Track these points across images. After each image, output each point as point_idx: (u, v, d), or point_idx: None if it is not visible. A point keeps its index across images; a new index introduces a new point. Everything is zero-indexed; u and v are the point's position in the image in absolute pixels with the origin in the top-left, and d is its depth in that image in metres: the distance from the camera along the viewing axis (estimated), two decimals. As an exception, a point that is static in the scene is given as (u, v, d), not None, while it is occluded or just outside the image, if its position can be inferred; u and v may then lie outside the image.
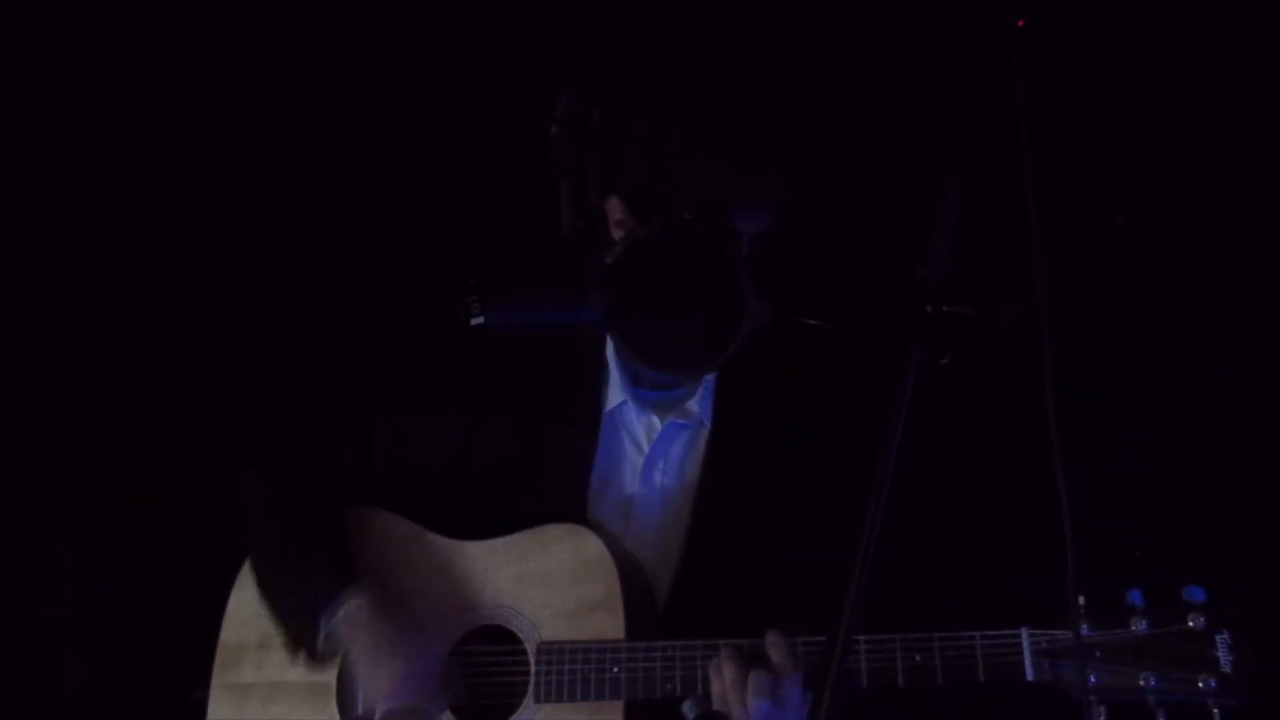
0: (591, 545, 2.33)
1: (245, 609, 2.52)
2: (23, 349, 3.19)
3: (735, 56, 3.00)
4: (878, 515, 1.69)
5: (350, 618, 2.32)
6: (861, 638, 2.13)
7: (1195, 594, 2.01)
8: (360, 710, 2.40)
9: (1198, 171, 2.88)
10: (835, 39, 3.01)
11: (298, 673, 2.44)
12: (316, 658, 2.37)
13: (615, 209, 2.34)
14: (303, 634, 2.37)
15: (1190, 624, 2.00)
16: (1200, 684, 1.97)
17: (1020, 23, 1.83)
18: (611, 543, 2.35)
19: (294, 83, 3.19)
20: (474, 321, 2.05)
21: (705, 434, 2.47)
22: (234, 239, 3.22)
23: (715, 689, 2.18)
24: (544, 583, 2.34)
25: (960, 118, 2.89)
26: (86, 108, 3.19)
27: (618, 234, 2.31)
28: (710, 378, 2.47)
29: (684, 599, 2.39)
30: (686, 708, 2.24)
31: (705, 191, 2.26)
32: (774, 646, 2.16)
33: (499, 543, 2.39)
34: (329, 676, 2.43)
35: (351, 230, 3.22)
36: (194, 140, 3.21)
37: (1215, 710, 1.98)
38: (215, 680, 2.52)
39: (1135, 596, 2.04)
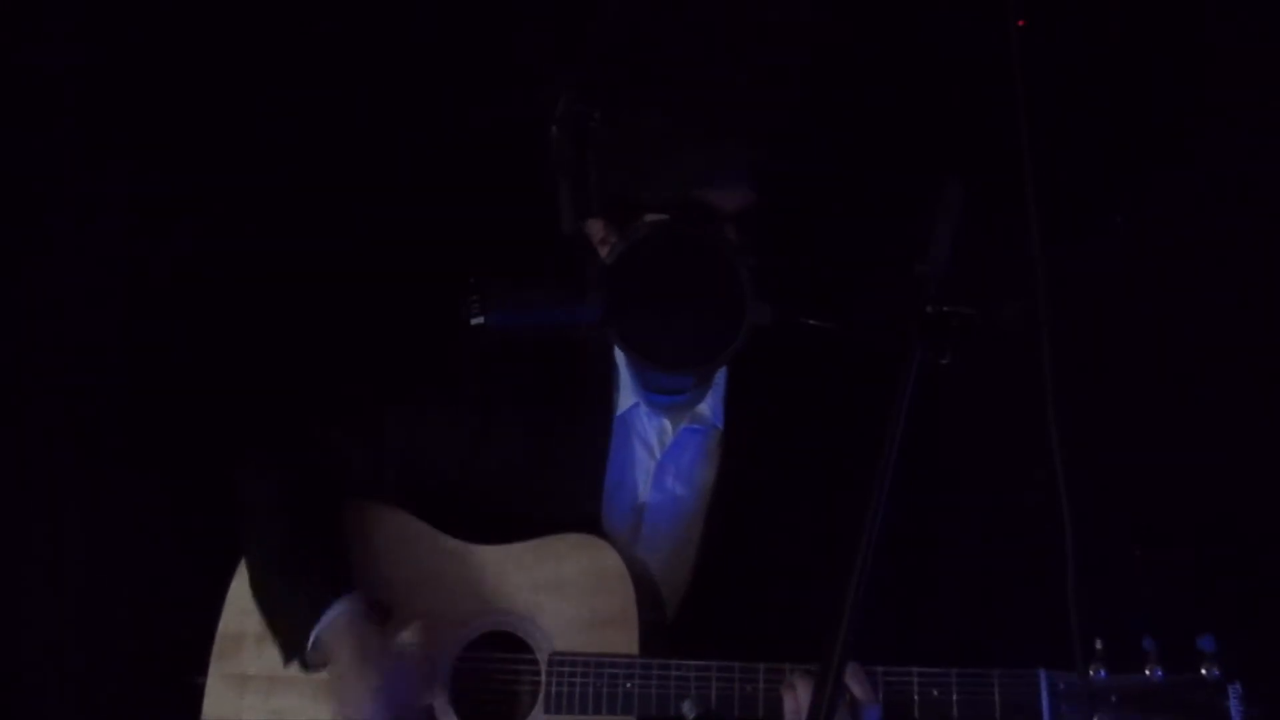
0: (608, 558, 2.33)
1: (245, 599, 2.49)
2: (21, 344, 3.19)
3: (733, 56, 3.00)
4: (877, 516, 1.69)
5: (337, 628, 2.32)
6: (880, 668, 2.16)
7: (1207, 644, 2.04)
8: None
9: (1198, 171, 2.87)
10: (835, 38, 3.01)
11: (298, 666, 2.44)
12: (307, 667, 2.37)
13: (596, 229, 2.34)
14: (293, 643, 2.37)
15: (1204, 673, 2.04)
16: None
17: (1021, 23, 1.82)
18: (627, 556, 2.35)
19: (296, 82, 3.18)
20: (474, 321, 2.05)
21: (718, 438, 2.47)
22: (239, 236, 3.22)
23: (788, 707, 2.18)
24: (558, 592, 2.34)
25: (961, 117, 2.89)
26: (87, 106, 3.19)
27: (604, 251, 2.32)
28: (720, 381, 2.47)
29: (696, 607, 2.39)
30: (686, 708, 2.24)
31: (668, 177, 2.27)
32: (854, 678, 2.16)
33: (514, 548, 2.39)
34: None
35: (356, 229, 3.21)
36: (197, 138, 3.20)
37: (1226, 760, 2.02)
38: (213, 670, 2.50)
39: (1149, 643, 2.07)
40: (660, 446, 2.46)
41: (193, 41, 3.15)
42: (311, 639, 2.33)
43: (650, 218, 2.28)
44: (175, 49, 3.16)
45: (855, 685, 2.15)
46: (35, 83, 3.15)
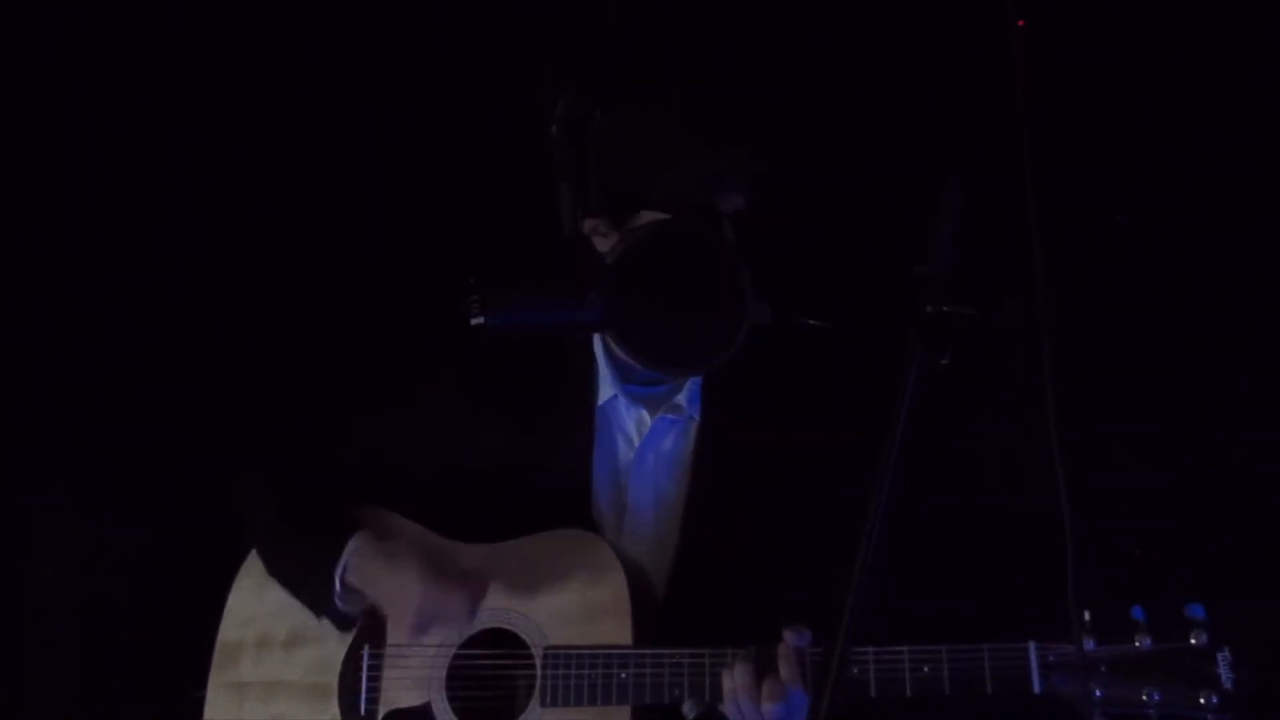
0: (599, 550, 2.34)
1: (244, 608, 2.53)
2: (23, 348, 3.20)
3: (734, 56, 3.00)
4: (878, 517, 1.69)
5: (360, 559, 2.35)
6: (870, 648, 2.17)
7: (1196, 611, 2.06)
8: (364, 710, 2.40)
9: (1198, 170, 2.88)
10: (836, 37, 3.01)
11: (298, 672, 2.46)
12: (338, 616, 2.39)
13: (593, 223, 2.35)
14: (320, 594, 2.39)
15: (1192, 641, 2.05)
16: (1202, 700, 2.03)
17: (1020, 23, 1.82)
18: (617, 547, 2.36)
19: (296, 82, 3.19)
20: (474, 321, 2.05)
21: (695, 428, 2.48)
22: (234, 238, 3.23)
23: (726, 688, 2.21)
24: (550, 586, 2.35)
25: (960, 117, 2.89)
26: (87, 105, 3.20)
27: (603, 246, 2.33)
28: None
29: (681, 595, 2.40)
30: (687, 708, 2.25)
31: (673, 178, 2.29)
32: (783, 658, 2.18)
33: (505, 546, 2.40)
34: (330, 676, 2.44)
35: (351, 230, 3.22)
36: (196, 138, 3.21)
37: (1216, 726, 2.02)
38: (213, 679, 2.53)
39: (1138, 613, 2.08)
40: (638, 436, 2.48)
41: (194, 40, 3.17)
42: (337, 583, 2.35)
43: (647, 214, 2.30)
44: (178, 48, 3.17)
45: (783, 667, 2.18)
46: (38, 82, 3.16)
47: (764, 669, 2.20)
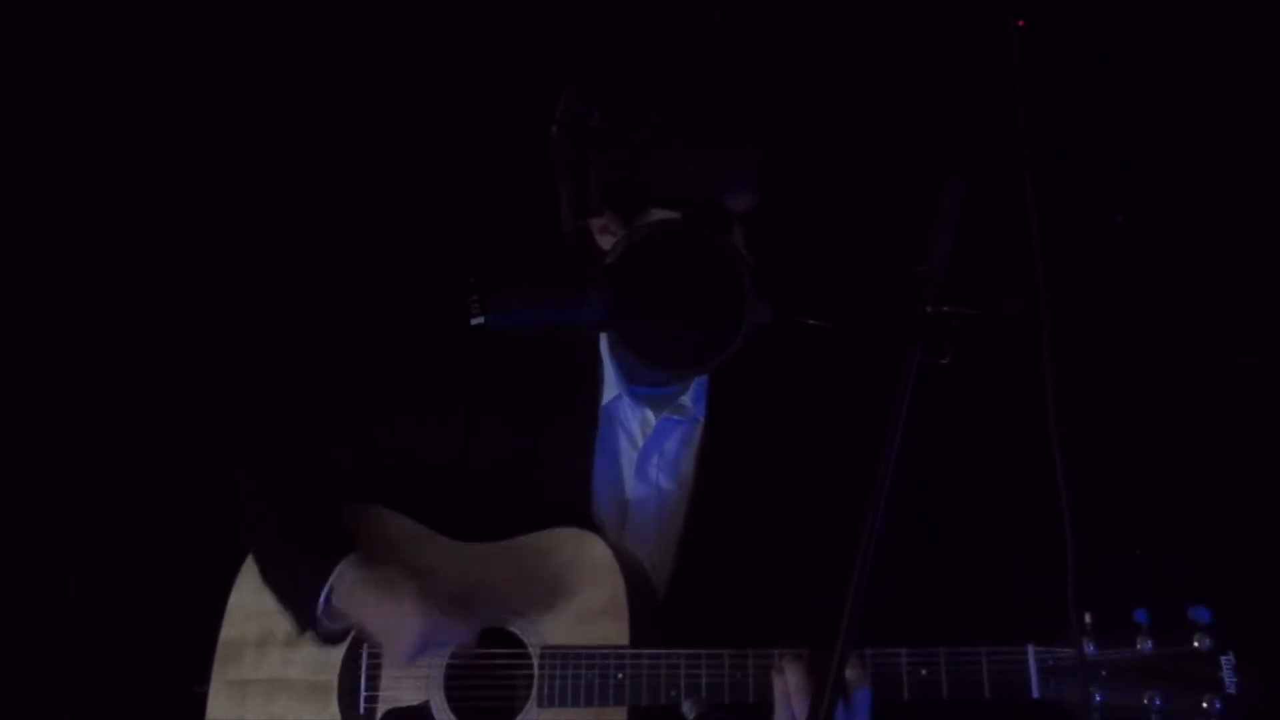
0: (597, 549, 2.33)
1: (246, 606, 2.53)
2: (23, 347, 3.20)
3: (734, 55, 3.00)
4: (878, 517, 1.69)
5: (349, 585, 2.33)
6: (868, 650, 2.15)
7: (1201, 614, 2.03)
8: (363, 709, 2.40)
9: (1198, 169, 2.88)
10: (835, 37, 3.01)
11: (298, 670, 2.46)
12: (322, 635, 2.38)
13: (598, 223, 2.34)
14: (304, 614, 2.38)
15: (1196, 644, 2.02)
16: (1205, 704, 2.00)
17: (1020, 23, 1.83)
18: (616, 546, 2.36)
19: (295, 82, 3.19)
20: (474, 321, 2.05)
21: (700, 429, 2.48)
22: (234, 237, 3.23)
23: (778, 691, 2.18)
24: (548, 586, 2.34)
25: (960, 117, 2.89)
26: (84, 104, 3.20)
27: (606, 242, 2.33)
28: None
29: (681, 597, 2.40)
30: (686, 708, 2.25)
31: (684, 175, 2.28)
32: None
33: (503, 545, 2.40)
34: (330, 675, 2.44)
35: (350, 229, 3.22)
36: (195, 138, 3.21)
37: (1219, 731, 2.00)
38: (215, 677, 2.53)
39: (1141, 615, 2.06)
40: (642, 436, 2.47)
41: (195, 39, 3.17)
42: (321, 604, 2.34)
43: (657, 213, 2.29)
44: (175, 49, 3.17)
45: (847, 669, 2.16)
46: (37, 81, 3.16)
47: (812, 672, 2.18)
